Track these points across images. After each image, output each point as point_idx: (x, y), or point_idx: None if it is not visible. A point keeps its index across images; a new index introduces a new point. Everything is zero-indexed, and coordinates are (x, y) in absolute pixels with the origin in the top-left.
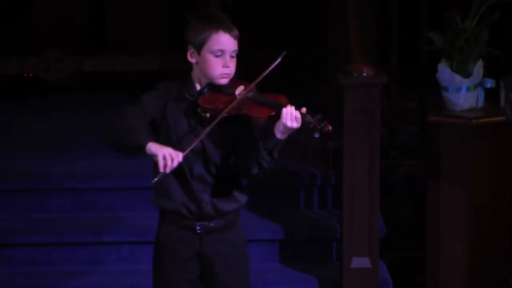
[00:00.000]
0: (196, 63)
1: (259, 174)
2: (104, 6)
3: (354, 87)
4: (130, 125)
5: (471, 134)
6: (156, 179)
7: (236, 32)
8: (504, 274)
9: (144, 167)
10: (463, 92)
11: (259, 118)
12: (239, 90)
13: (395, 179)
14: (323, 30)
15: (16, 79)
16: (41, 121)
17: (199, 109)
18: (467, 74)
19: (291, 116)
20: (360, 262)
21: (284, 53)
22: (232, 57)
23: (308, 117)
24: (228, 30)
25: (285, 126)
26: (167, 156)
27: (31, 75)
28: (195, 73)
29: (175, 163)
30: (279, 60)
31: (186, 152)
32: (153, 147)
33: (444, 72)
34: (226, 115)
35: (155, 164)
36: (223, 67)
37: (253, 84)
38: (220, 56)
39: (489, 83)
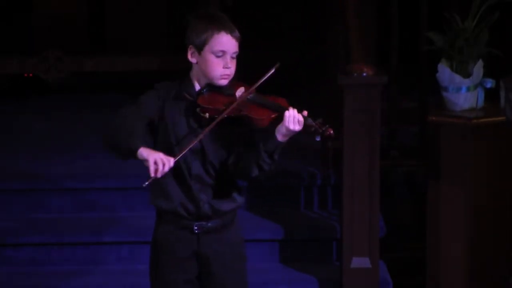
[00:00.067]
0: (197, 63)
1: (259, 176)
2: (104, 6)
3: (354, 87)
4: (123, 129)
5: (471, 134)
6: (146, 183)
7: (237, 34)
8: (504, 274)
9: (144, 167)
10: (463, 92)
11: (260, 120)
12: (240, 91)
13: (395, 179)
14: (323, 30)
15: (16, 79)
16: (41, 121)
17: (198, 109)
18: (467, 74)
19: (294, 119)
20: (360, 262)
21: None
22: (232, 58)
23: (310, 121)
24: (230, 31)
25: (288, 129)
26: (158, 161)
27: (31, 75)
28: (195, 73)
29: (166, 168)
30: (275, 67)
31: (178, 158)
32: (144, 152)
33: (444, 72)
34: (226, 116)
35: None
36: (223, 67)
37: (254, 86)
38: (221, 56)
39: (489, 83)
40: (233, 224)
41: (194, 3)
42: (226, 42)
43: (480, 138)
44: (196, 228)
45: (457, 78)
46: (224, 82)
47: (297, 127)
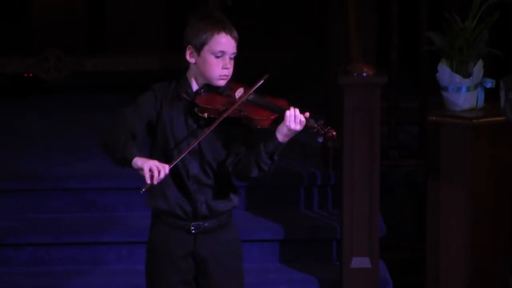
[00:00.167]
0: (195, 63)
1: (258, 177)
2: (104, 6)
3: (354, 87)
4: (118, 137)
5: (471, 134)
6: (143, 189)
7: (236, 34)
8: (504, 274)
9: None
10: (463, 92)
11: (260, 120)
12: (239, 92)
13: (395, 179)
14: (323, 30)
15: (16, 79)
16: (41, 121)
17: (196, 109)
18: (467, 74)
19: (295, 119)
20: (360, 262)
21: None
22: (231, 58)
23: (312, 122)
24: (229, 32)
25: (289, 129)
26: (154, 169)
27: (31, 75)
28: (192, 73)
29: (162, 175)
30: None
31: (173, 164)
32: (139, 161)
33: (444, 72)
34: (225, 116)
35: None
36: (222, 68)
37: (254, 87)
38: (220, 57)
39: (489, 83)
40: (229, 224)
41: (194, 3)
42: (226, 43)
43: (480, 138)
44: (193, 228)
45: (457, 78)
46: (222, 82)
47: (298, 127)
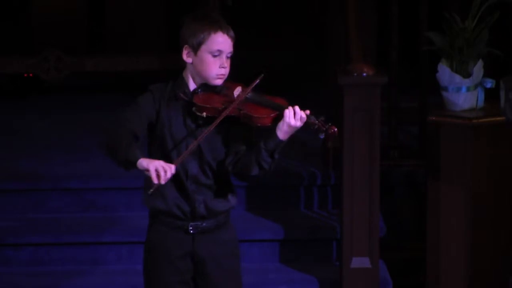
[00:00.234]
0: (192, 63)
1: (259, 175)
2: (104, 6)
3: (354, 87)
4: (122, 139)
5: (471, 134)
6: (151, 190)
7: (232, 33)
8: (504, 274)
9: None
10: (463, 92)
11: (260, 118)
12: (237, 91)
13: (395, 179)
14: (323, 30)
15: (16, 79)
16: (41, 121)
17: (194, 109)
18: (467, 74)
19: (295, 115)
20: (360, 262)
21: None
22: (227, 57)
23: (313, 118)
24: (226, 31)
25: (289, 126)
26: (160, 169)
27: (31, 75)
28: (189, 73)
29: (169, 175)
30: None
31: (178, 162)
32: (144, 162)
33: (444, 72)
34: (225, 115)
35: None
36: (219, 67)
37: (252, 85)
38: (217, 56)
39: (489, 83)
40: (227, 224)
41: (194, 3)
42: (223, 42)
43: (480, 138)
44: (191, 228)
45: (457, 78)
46: (219, 82)
47: (298, 123)
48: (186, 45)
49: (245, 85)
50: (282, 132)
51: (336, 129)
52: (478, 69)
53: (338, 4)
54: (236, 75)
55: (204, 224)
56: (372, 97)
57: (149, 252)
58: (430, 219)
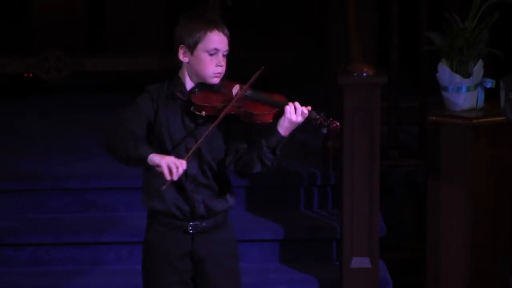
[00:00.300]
0: (188, 62)
1: (261, 172)
2: (104, 6)
3: (354, 87)
4: (128, 138)
5: (471, 134)
6: (164, 186)
7: (228, 32)
8: (504, 274)
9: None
10: (463, 92)
11: (260, 115)
12: (235, 89)
13: (395, 179)
14: (323, 30)
15: (16, 79)
16: (41, 121)
17: (192, 108)
18: (467, 74)
19: (296, 111)
20: (360, 262)
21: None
22: (224, 56)
23: (315, 114)
24: (221, 30)
25: (290, 121)
26: (172, 165)
27: (31, 75)
28: (185, 73)
29: (181, 170)
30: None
31: (188, 158)
32: (156, 158)
33: (444, 72)
34: (225, 113)
35: (155, 172)
36: (216, 65)
37: (250, 82)
38: (214, 55)
39: (489, 83)
40: (225, 224)
41: (194, 3)
42: (219, 40)
43: (480, 138)
44: (190, 228)
45: (457, 78)
46: (216, 80)
47: (300, 119)
48: (182, 45)
49: (242, 84)
50: (283, 128)
51: (338, 124)
52: (478, 69)
53: (338, 4)
54: (236, 75)
55: (203, 224)
56: (372, 97)
57: (148, 252)
58: (430, 219)
